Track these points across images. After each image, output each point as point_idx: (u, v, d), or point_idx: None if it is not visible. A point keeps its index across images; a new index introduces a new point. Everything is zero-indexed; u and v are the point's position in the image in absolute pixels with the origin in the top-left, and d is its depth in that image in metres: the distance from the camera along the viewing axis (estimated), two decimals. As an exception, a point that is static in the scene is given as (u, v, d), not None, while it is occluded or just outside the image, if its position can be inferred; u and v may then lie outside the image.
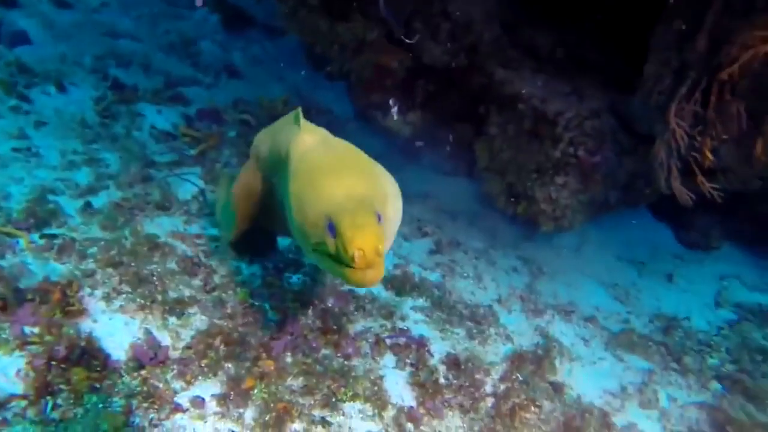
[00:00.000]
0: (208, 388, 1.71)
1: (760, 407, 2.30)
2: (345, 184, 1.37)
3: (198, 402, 1.63)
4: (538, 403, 1.98)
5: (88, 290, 1.91)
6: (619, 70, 2.92)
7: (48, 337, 1.58)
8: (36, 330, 1.64)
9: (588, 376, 2.32)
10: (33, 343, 1.59)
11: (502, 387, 2.05)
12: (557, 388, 2.13)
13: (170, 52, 4.64)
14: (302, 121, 1.65)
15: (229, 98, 4.19)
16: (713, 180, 1.92)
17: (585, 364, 2.42)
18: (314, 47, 3.45)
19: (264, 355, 1.89)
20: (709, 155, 1.60)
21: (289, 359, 1.91)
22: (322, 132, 1.68)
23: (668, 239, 4.07)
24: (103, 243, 2.19)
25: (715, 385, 2.44)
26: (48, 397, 1.47)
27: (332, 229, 1.27)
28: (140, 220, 2.45)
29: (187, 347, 1.84)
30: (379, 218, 1.32)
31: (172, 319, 1.96)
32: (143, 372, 1.68)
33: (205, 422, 1.58)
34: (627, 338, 2.67)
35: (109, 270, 2.05)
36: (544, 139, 2.75)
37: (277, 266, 2.42)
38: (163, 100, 3.76)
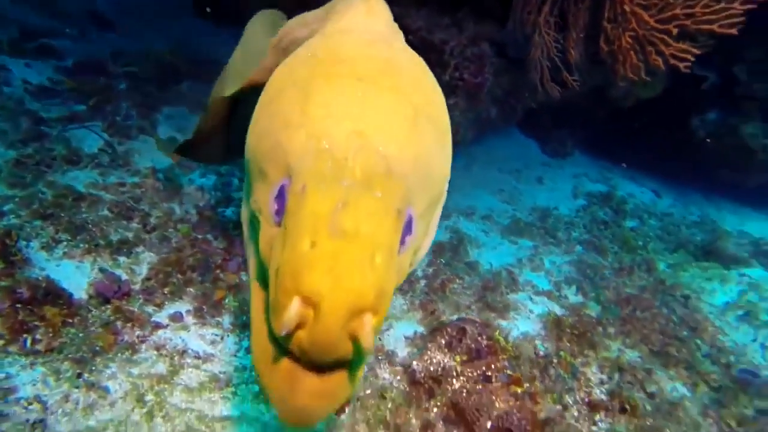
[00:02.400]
0: (181, 307, 1.82)
1: (604, 256, 3.10)
2: (359, 114, 0.73)
3: (176, 317, 1.73)
4: (460, 277, 2.42)
5: (23, 242, 1.82)
6: (490, 4, 3.35)
7: (5, 282, 1.54)
8: (-20, 282, 1.57)
9: (492, 256, 2.86)
10: (-15, 292, 1.53)
11: (431, 270, 2.46)
12: (472, 266, 2.61)
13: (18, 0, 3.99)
14: None
15: (106, 51, 3.81)
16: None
17: (488, 248, 2.96)
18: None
19: (223, 274, 2.01)
20: (573, 52, 2.06)
21: (245, 276, 2.07)
22: (387, 14, 1.04)
23: (535, 151, 4.88)
24: (18, 199, 2.05)
25: (578, 248, 3.17)
26: (24, 335, 1.47)
27: (281, 205, 0.70)
28: (51, 176, 2.29)
29: (147, 279, 1.89)
30: (409, 224, 0.73)
31: (122, 259, 1.97)
32: (111, 305, 1.72)
33: (188, 332, 1.71)
34: (516, 227, 3.29)
35: (38, 222, 1.96)
36: (434, 65, 3.09)
37: (209, 204, 2.48)
38: (29, 54, 3.32)
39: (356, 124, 0.71)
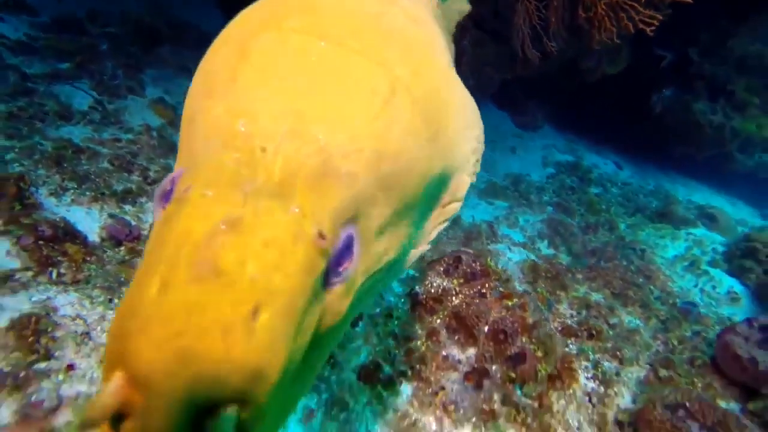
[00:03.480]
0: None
1: (572, 216, 3.39)
2: (305, 87, 0.56)
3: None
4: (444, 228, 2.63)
5: (32, 188, 1.87)
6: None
7: (26, 220, 1.61)
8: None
9: (472, 214, 3.08)
10: (7, 231, 1.60)
11: (418, 224, 2.65)
12: (454, 221, 2.82)
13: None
14: None
15: (81, 10, 3.71)
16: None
17: (468, 207, 3.18)
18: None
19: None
20: (553, 20, 2.26)
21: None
22: None
23: (508, 123, 5.13)
24: (18, 149, 2.07)
25: (548, 208, 3.44)
26: (50, 268, 1.55)
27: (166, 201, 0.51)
28: (46, 129, 2.31)
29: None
30: (348, 246, 0.55)
31: (128, 207, 2.04)
32: (124, 247, 1.81)
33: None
34: (492, 190, 3.52)
35: (42, 171, 2.00)
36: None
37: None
38: (1, 8, 3.21)
39: (295, 101, 0.52)
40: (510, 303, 1.41)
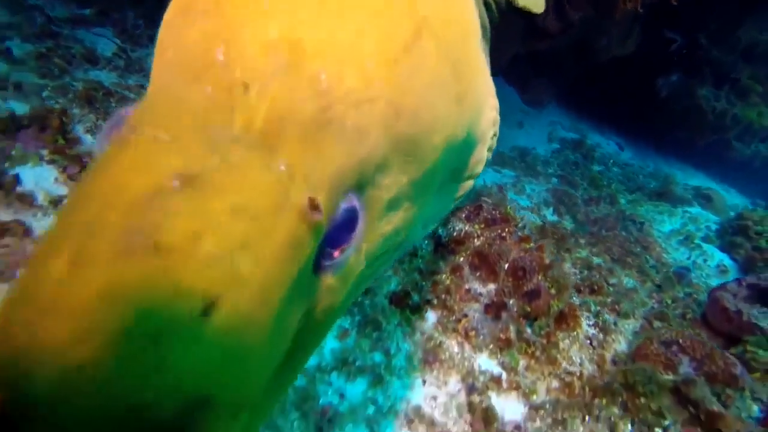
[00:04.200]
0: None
1: (576, 189, 3.53)
2: (309, 12, 0.44)
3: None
4: (456, 192, 2.75)
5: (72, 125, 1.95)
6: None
7: (70, 152, 1.70)
8: (45, 152, 1.72)
9: (483, 178, 3.20)
10: (53, 161, 1.68)
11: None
12: (464, 186, 2.94)
13: None
14: None
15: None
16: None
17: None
18: None
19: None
20: None
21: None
22: None
23: (516, 99, 5.20)
24: (51, 87, 2.14)
25: (553, 180, 3.57)
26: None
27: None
28: (74, 71, 2.36)
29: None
30: (350, 221, 0.45)
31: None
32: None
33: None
34: (499, 159, 3.64)
35: (77, 110, 2.07)
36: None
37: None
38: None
39: (294, 28, 0.41)
40: (528, 246, 1.54)
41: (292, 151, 0.38)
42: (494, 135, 0.80)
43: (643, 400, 1.29)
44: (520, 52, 4.19)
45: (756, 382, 1.37)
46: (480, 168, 0.77)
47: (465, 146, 0.66)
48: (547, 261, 1.53)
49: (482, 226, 1.61)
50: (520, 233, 1.60)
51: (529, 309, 1.44)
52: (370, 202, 0.46)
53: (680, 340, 1.45)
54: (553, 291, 1.50)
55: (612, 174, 4.40)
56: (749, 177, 5.65)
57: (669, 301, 2.21)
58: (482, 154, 0.76)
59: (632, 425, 1.25)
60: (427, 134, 0.51)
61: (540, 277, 1.47)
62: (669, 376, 1.37)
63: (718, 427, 1.18)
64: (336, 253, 0.42)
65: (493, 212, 1.65)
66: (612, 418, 1.27)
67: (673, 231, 3.34)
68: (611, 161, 4.78)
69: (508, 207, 1.71)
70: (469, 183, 0.75)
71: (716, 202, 3.77)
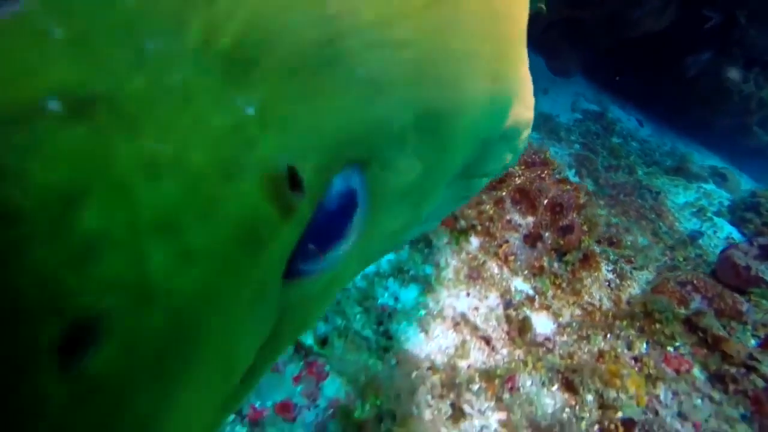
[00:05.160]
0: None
1: (594, 154, 3.66)
2: None
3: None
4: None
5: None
6: None
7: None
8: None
9: (507, 139, 3.32)
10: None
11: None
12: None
13: None
14: None
15: None
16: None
17: (503, 134, 3.42)
18: None
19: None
20: None
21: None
22: None
23: (542, 67, 5.24)
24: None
25: (575, 145, 3.70)
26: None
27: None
28: None
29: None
30: (344, 205, 0.32)
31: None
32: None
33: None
34: (525, 122, 3.75)
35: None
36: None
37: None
38: None
39: None
40: (565, 187, 1.68)
41: (270, 91, 0.25)
42: (523, 139, 0.63)
43: (658, 325, 1.47)
44: (554, 20, 4.21)
45: (758, 321, 1.55)
46: (496, 168, 0.61)
47: (488, 138, 0.52)
48: (582, 201, 1.68)
49: (523, 167, 1.75)
50: (557, 176, 1.74)
51: (561, 242, 1.60)
52: (375, 185, 0.33)
53: (694, 281, 1.62)
54: (585, 228, 1.66)
55: (630, 148, 4.51)
56: (764, 164, 5.74)
57: (681, 259, 2.38)
58: (504, 154, 0.60)
59: (647, 344, 1.43)
60: (456, 111, 0.39)
61: (574, 215, 1.62)
62: (682, 310, 1.55)
63: (722, 348, 1.36)
64: (322, 251, 0.30)
65: (534, 156, 1.79)
66: (630, 338, 1.45)
67: (687, 203, 3.49)
68: (630, 136, 4.88)
69: (547, 153, 1.85)
70: (483, 181, 0.61)
71: (731, 181, 3.91)
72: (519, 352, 1.34)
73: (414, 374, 1.08)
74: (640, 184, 3.46)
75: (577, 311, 1.64)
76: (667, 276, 1.74)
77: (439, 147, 0.39)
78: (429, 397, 1.05)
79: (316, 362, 1.04)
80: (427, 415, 1.02)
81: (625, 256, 2.26)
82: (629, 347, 1.44)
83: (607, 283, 1.95)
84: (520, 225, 1.59)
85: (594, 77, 5.62)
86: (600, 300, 1.78)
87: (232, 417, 0.91)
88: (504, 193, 1.62)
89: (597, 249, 2.18)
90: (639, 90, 5.48)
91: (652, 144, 4.99)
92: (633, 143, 4.70)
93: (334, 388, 0.99)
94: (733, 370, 1.30)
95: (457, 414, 1.09)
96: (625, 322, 1.50)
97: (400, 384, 1.02)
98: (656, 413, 1.20)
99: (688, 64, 5.07)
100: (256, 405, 0.93)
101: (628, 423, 1.15)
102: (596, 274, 1.89)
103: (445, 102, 0.37)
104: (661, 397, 1.25)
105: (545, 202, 1.58)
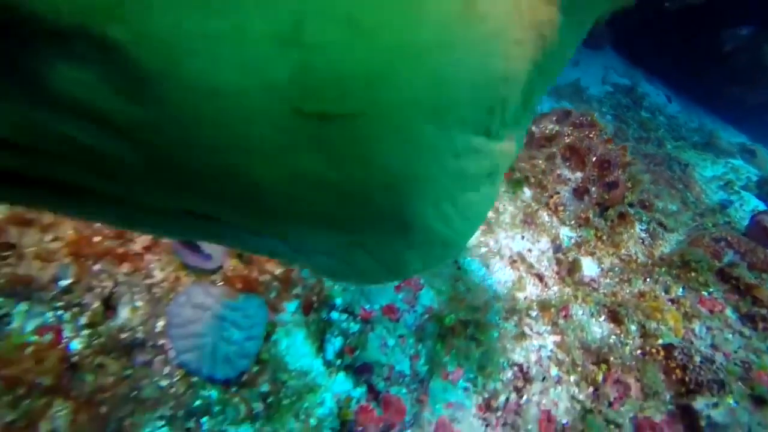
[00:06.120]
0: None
1: (623, 122, 3.75)
2: None
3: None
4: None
5: None
6: None
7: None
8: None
9: (541, 108, 3.41)
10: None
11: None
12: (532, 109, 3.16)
13: None
14: None
15: None
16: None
17: (542, 104, 3.50)
18: None
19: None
20: None
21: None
22: None
23: (575, 38, 5.26)
24: None
25: (607, 116, 3.78)
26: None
27: None
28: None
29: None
30: None
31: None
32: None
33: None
34: (555, 92, 3.83)
35: None
36: None
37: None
38: None
39: None
40: (611, 146, 1.81)
41: None
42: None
43: (693, 273, 1.62)
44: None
45: (786, 274, 1.69)
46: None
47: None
48: (627, 159, 1.80)
49: (571, 128, 1.87)
50: (604, 136, 1.86)
51: (607, 197, 1.73)
52: None
53: (728, 238, 1.76)
54: (629, 185, 1.79)
55: (658, 122, 4.57)
56: (791, 145, 5.75)
57: (710, 225, 2.51)
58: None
59: (683, 289, 1.59)
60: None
61: (620, 172, 1.75)
62: (716, 263, 1.70)
63: (753, 294, 1.51)
64: None
65: (581, 118, 1.90)
66: (667, 282, 1.60)
67: (715, 176, 3.59)
68: (658, 111, 4.92)
69: (594, 115, 1.96)
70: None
71: (760, 158, 3.98)
72: (568, 290, 1.50)
73: (483, 299, 1.24)
74: (669, 156, 3.56)
75: (616, 260, 1.80)
76: (702, 232, 1.88)
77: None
78: (497, 317, 1.21)
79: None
80: (495, 332, 1.19)
81: (656, 219, 2.40)
82: (666, 291, 1.60)
83: (641, 240, 2.10)
84: (569, 179, 1.73)
85: (624, 50, 5.61)
86: (636, 254, 1.94)
87: (345, 316, 1.09)
88: (555, 150, 1.75)
89: (631, 210, 2.33)
90: (669, 65, 5.48)
91: (679, 120, 5.03)
92: (661, 118, 4.75)
93: (428, 297, 1.16)
94: (763, 311, 1.46)
95: (519, 334, 1.26)
96: (663, 269, 1.65)
97: (475, 302, 1.18)
98: (691, 343, 1.37)
99: (725, 39, 5.04)
100: (366, 307, 1.11)
101: (668, 347, 1.32)
102: (631, 231, 2.04)
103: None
104: (696, 331, 1.41)
105: (593, 159, 1.71)
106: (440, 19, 0.29)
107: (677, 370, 1.27)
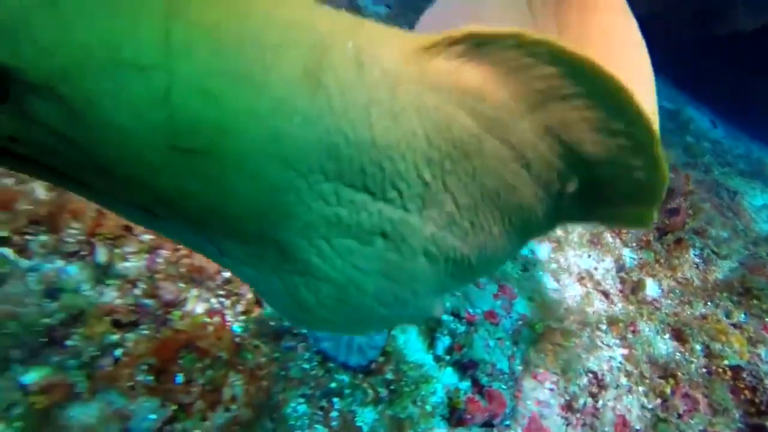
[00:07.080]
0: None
1: (669, 147, 3.81)
2: None
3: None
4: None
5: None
6: None
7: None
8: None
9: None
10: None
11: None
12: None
13: None
14: None
15: None
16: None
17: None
18: None
19: None
20: None
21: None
22: None
23: (620, 61, 5.33)
24: None
25: (655, 141, 3.85)
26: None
27: None
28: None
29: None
30: None
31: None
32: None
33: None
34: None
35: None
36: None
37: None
38: None
39: None
40: (673, 175, 1.91)
41: None
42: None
43: (755, 301, 1.71)
44: (639, 14, 4.29)
45: None
46: None
47: None
48: (690, 188, 1.91)
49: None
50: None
51: (667, 222, 1.84)
52: None
53: (787, 267, 1.84)
54: (690, 212, 1.89)
55: (704, 147, 4.59)
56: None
57: (764, 255, 2.57)
58: None
59: (745, 314, 1.67)
60: None
61: (681, 199, 1.85)
62: (776, 291, 1.78)
63: (814, 323, 1.59)
64: None
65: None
66: (728, 307, 1.69)
67: (765, 205, 3.61)
68: (702, 136, 4.94)
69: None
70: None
71: (810, 188, 3.97)
72: (632, 307, 1.61)
73: (560, 311, 1.37)
74: (717, 183, 3.60)
75: (674, 283, 1.90)
76: (762, 261, 1.96)
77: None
78: (573, 328, 1.34)
79: (506, 285, 1.36)
80: (573, 341, 1.32)
81: (710, 245, 2.48)
82: (727, 315, 1.69)
83: (695, 266, 2.19)
84: (633, 203, 1.84)
85: (668, 74, 5.64)
86: (691, 278, 2.03)
87: (452, 318, 1.25)
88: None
89: (685, 236, 2.41)
90: (715, 90, 5.49)
91: (724, 145, 5.03)
92: (705, 143, 4.76)
93: (522, 305, 1.30)
94: (825, 339, 1.53)
95: (592, 345, 1.38)
96: (724, 294, 1.74)
97: (556, 313, 1.31)
98: (758, 366, 1.46)
99: (774, 67, 5.03)
100: (470, 311, 1.27)
101: (736, 368, 1.41)
102: (686, 255, 2.13)
103: None
104: (763, 356, 1.50)
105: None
106: (280, 93, 0.41)
107: (746, 391, 1.36)
